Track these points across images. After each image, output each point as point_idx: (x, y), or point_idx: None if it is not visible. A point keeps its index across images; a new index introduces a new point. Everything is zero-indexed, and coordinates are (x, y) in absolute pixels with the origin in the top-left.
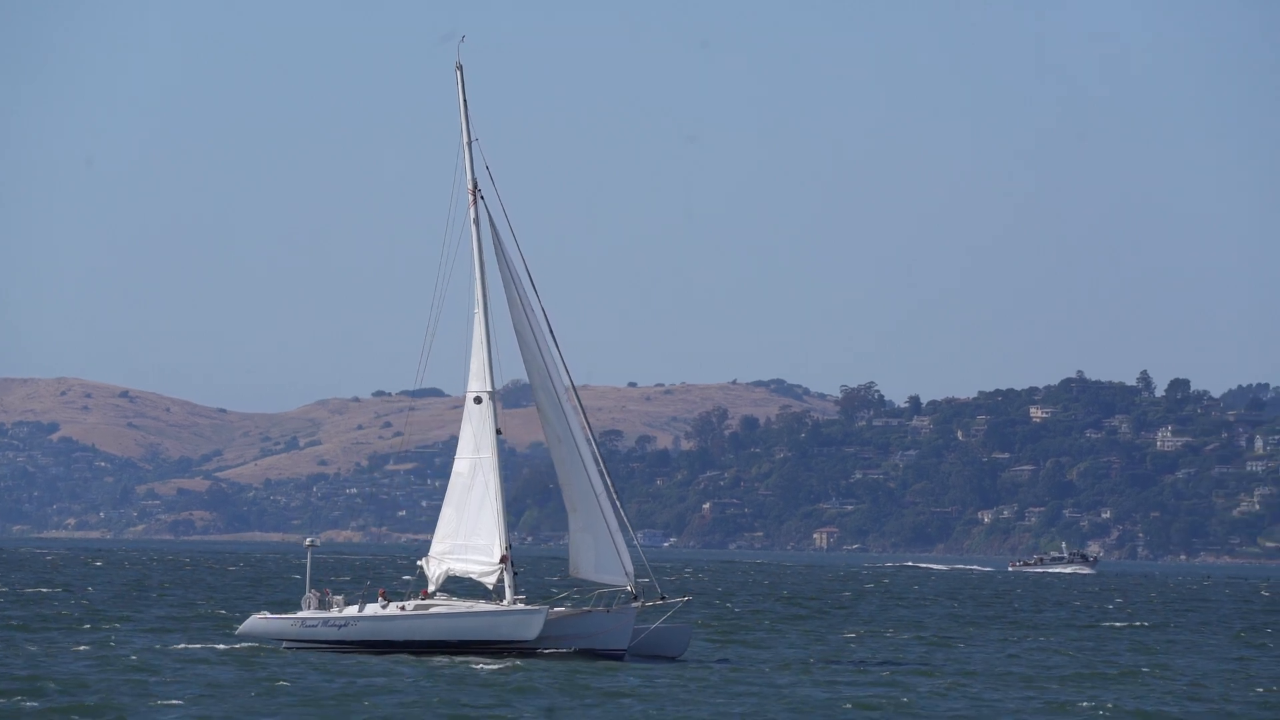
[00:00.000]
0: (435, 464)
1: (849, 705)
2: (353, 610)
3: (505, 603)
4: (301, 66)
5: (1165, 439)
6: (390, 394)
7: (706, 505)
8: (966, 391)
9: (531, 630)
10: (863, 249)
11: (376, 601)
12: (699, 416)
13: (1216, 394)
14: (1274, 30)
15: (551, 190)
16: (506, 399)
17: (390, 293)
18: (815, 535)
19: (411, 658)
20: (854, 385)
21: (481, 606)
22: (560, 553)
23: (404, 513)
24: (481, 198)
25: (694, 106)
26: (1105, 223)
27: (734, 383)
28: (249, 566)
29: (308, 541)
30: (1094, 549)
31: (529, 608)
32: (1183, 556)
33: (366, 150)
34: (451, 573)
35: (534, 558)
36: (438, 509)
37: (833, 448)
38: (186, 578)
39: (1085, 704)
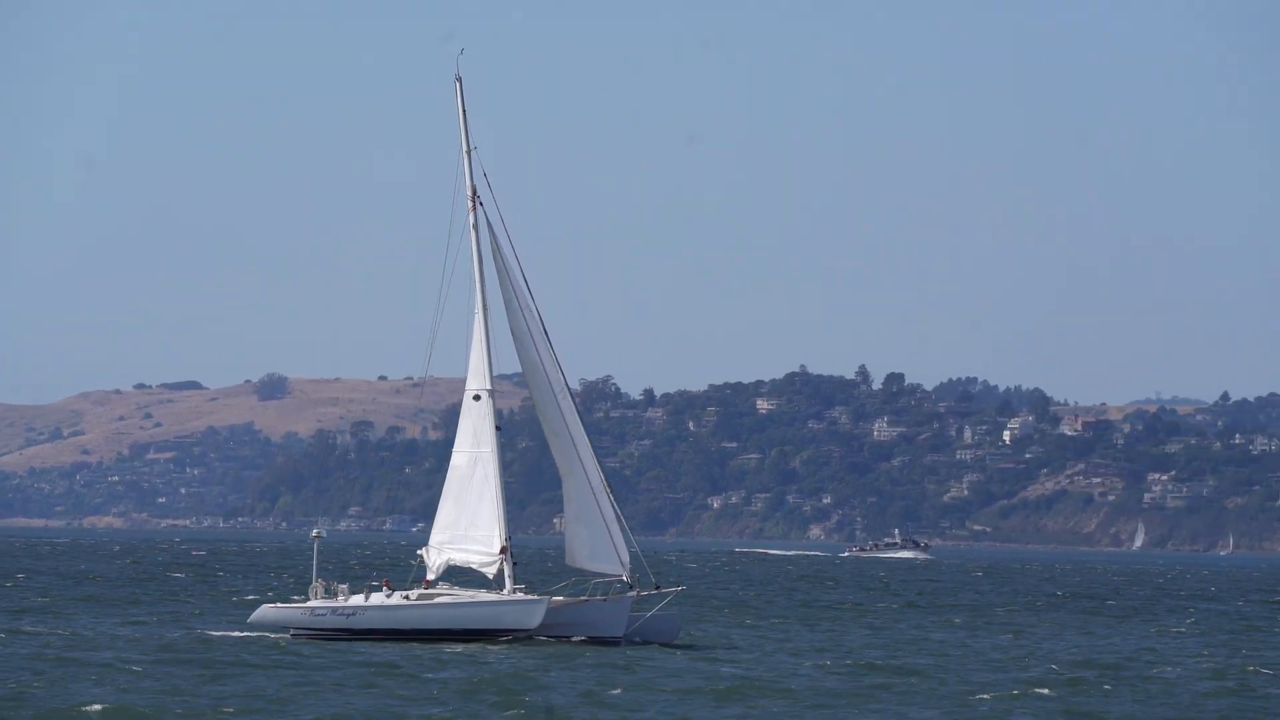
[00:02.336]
0: (194, 453)
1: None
2: (359, 599)
3: (505, 592)
4: (293, 68)
5: (881, 429)
6: (151, 386)
7: None
8: (697, 384)
9: (534, 619)
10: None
11: (381, 591)
12: (447, 408)
13: (929, 387)
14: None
15: (552, 191)
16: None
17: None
18: (555, 520)
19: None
20: (593, 379)
21: (485, 596)
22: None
23: (164, 499)
24: (480, 204)
25: (694, 107)
26: (823, 223)
27: None
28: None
29: (314, 533)
30: (814, 530)
31: (531, 597)
32: (896, 530)
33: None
34: (452, 562)
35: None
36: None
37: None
38: None
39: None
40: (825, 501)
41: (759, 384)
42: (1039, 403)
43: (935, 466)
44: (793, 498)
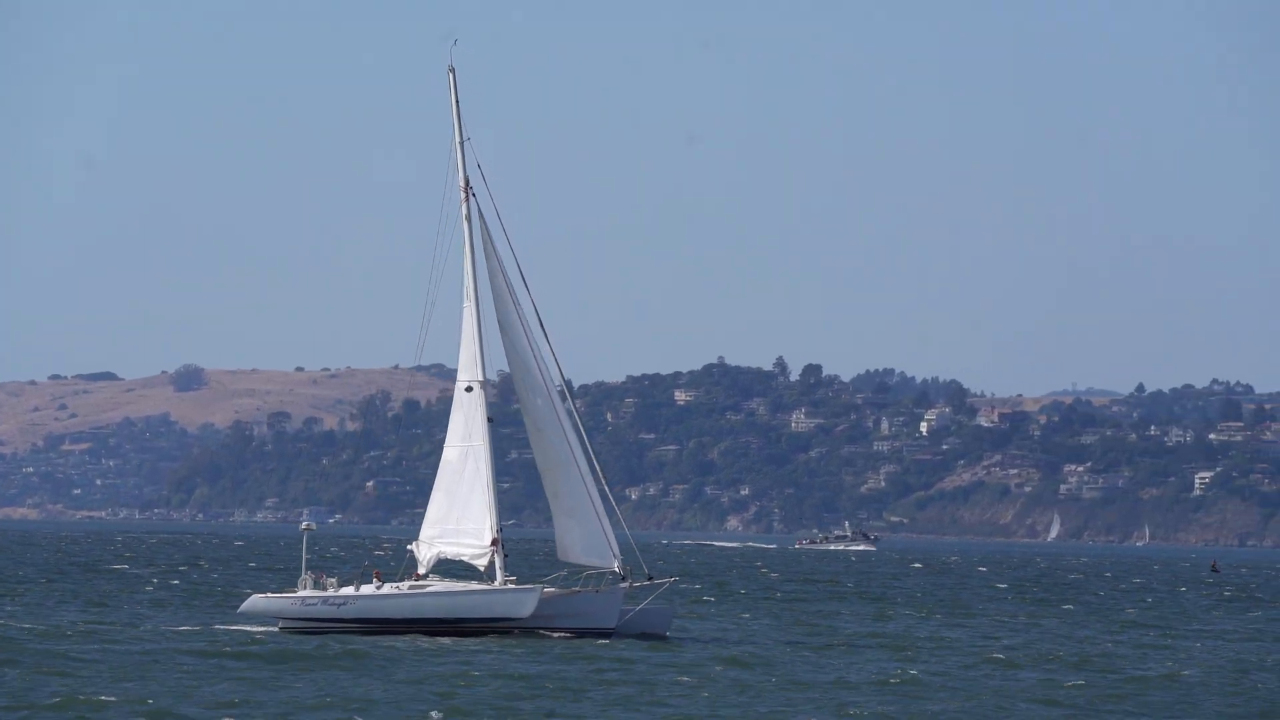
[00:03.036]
0: (109, 444)
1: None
2: (349, 590)
3: (497, 583)
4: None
5: (799, 420)
6: (66, 377)
7: (370, 483)
8: (616, 376)
9: (526, 608)
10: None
11: (371, 583)
12: (364, 399)
13: (846, 378)
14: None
15: (551, 187)
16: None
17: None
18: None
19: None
20: (509, 370)
21: (474, 586)
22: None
23: (79, 491)
24: (473, 194)
25: (694, 106)
26: (740, 218)
27: (397, 367)
28: None
29: (303, 525)
30: (732, 521)
31: (523, 587)
32: (815, 529)
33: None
34: (443, 556)
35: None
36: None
37: (490, 429)
38: None
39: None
40: (743, 493)
41: (677, 375)
42: (956, 394)
43: (852, 458)
44: (711, 489)
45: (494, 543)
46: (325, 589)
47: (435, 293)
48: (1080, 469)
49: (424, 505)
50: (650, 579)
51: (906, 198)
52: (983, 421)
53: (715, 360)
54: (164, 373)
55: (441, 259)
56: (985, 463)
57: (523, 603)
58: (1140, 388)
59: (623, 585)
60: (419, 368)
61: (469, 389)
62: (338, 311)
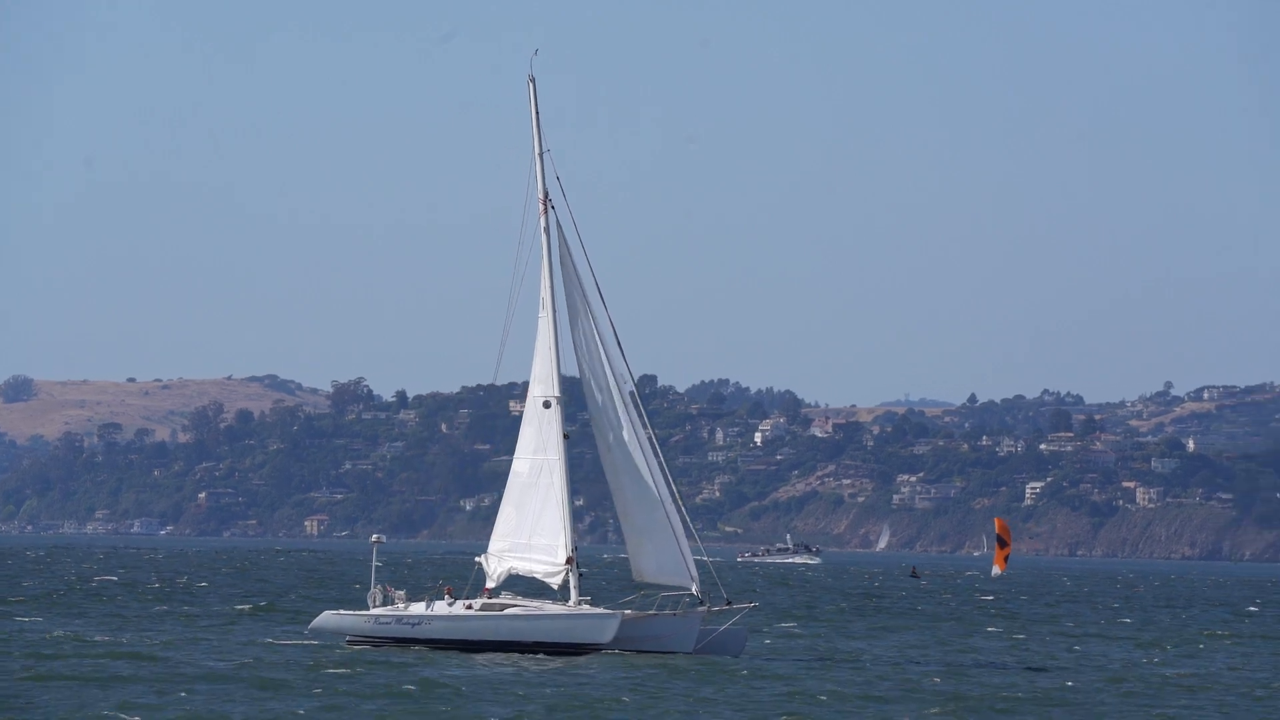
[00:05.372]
0: None
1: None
2: (420, 607)
3: (571, 603)
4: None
5: None
6: None
7: (202, 495)
8: (450, 387)
9: (607, 634)
10: None
11: (443, 599)
12: (195, 410)
13: (681, 389)
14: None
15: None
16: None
17: None
18: (307, 522)
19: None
20: (344, 380)
21: (554, 608)
22: None
23: None
24: (553, 207)
25: (694, 106)
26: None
27: (229, 378)
28: None
29: (374, 538)
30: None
31: (605, 611)
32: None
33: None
34: (514, 571)
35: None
36: None
37: (323, 439)
38: None
39: None
40: (578, 503)
41: (512, 386)
42: (790, 405)
43: (688, 468)
44: None
45: (568, 561)
46: (394, 604)
47: (514, 307)
48: (913, 479)
49: (256, 516)
50: (729, 603)
51: (741, 209)
52: (817, 432)
53: None
54: None
55: (520, 273)
56: (819, 473)
57: (605, 628)
58: (972, 398)
59: (700, 609)
60: (252, 378)
61: (546, 404)
62: (170, 322)
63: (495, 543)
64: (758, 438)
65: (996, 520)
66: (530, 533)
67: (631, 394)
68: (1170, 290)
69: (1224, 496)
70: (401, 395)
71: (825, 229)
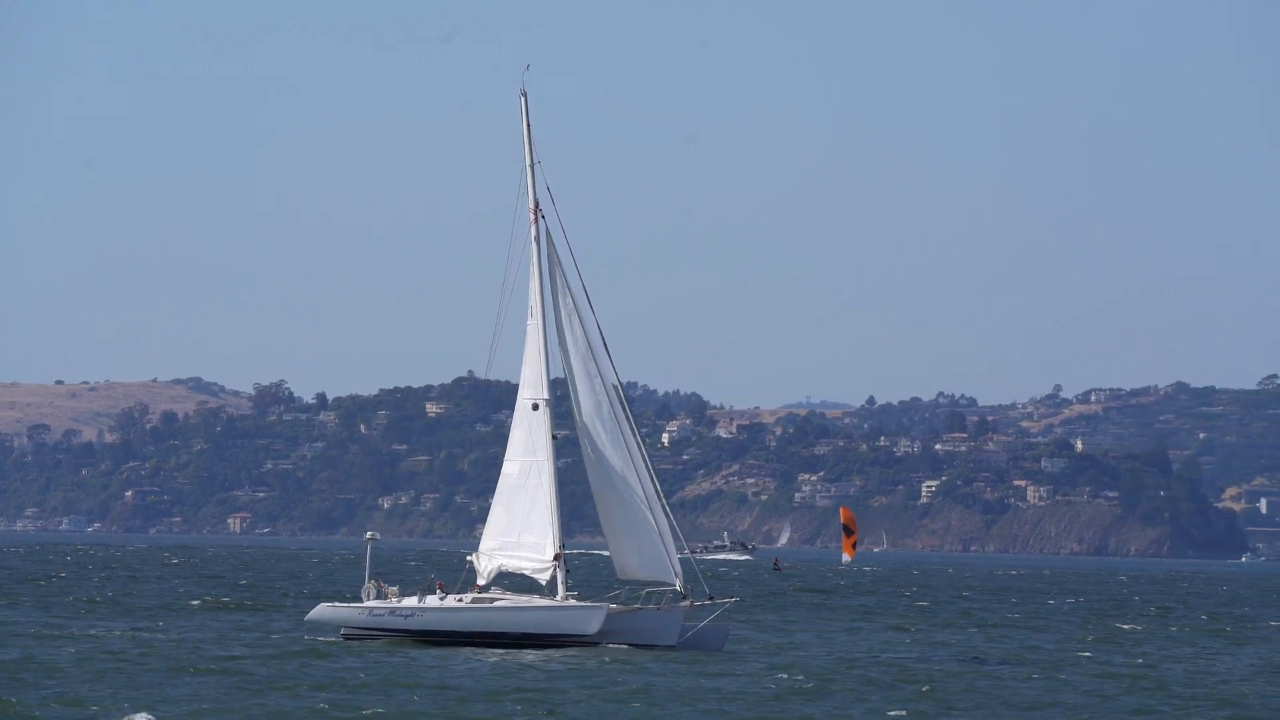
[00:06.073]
0: None
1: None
2: (412, 601)
3: (558, 598)
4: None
5: None
6: None
7: (129, 493)
8: (369, 389)
9: (592, 625)
10: None
11: (435, 593)
12: (122, 412)
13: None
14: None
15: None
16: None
17: None
18: (230, 520)
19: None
20: (266, 383)
21: (542, 601)
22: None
23: None
24: (543, 216)
25: (694, 106)
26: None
27: (155, 381)
28: None
29: (368, 535)
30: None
31: (591, 604)
32: (579, 537)
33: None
34: (504, 568)
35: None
36: None
37: (246, 440)
38: None
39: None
40: (491, 502)
41: (428, 389)
42: (696, 406)
43: None
44: (460, 498)
45: (556, 558)
46: (387, 598)
47: (504, 312)
48: (814, 478)
49: (181, 514)
50: (711, 599)
51: (639, 219)
52: (722, 433)
53: (465, 374)
54: None
55: (512, 280)
56: (724, 472)
57: (589, 620)
58: (870, 400)
59: (683, 604)
60: (177, 380)
61: (535, 406)
62: (97, 326)
63: (486, 541)
64: (665, 439)
65: (842, 510)
66: (520, 531)
67: (618, 394)
68: (1060, 296)
69: (1110, 495)
70: (322, 397)
71: (730, 237)
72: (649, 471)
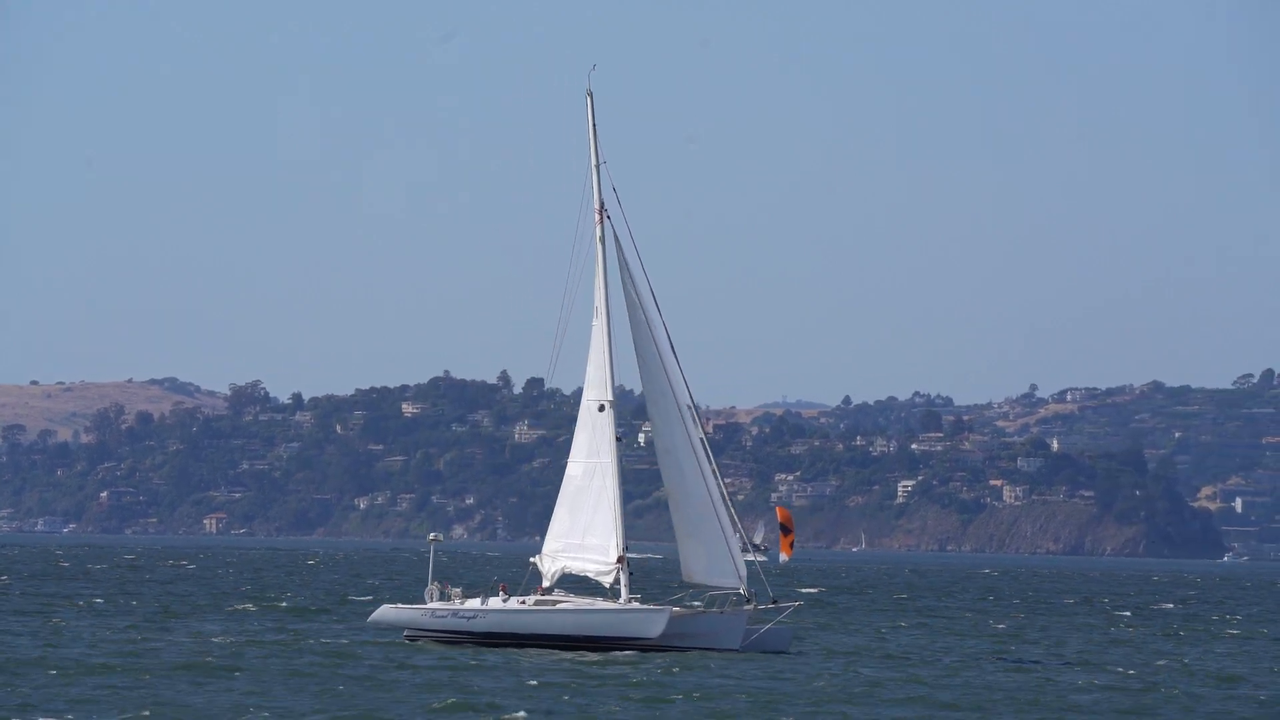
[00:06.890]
0: None
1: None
2: (475, 603)
3: (621, 601)
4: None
5: (523, 431)
6: None
7: (104, 494)
8: (345, 389)
9: (656, 628)
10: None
11: (498, 595)
12: (97, 412)
13: (568, 391)
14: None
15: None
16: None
17: None
18: (206, 520)
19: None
20: (242, 383)
21: (607, 604)
22: None
23: None
24: (608, 217)
25: (694, 106)
26: (466, 234)
27: (130, 381)
28: None
29: (431, 536)
30: (458, 530)
31: (654, 607)
32: (537, 537)
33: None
34: (567, 570)
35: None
36: None
37: (222, 440)
38: None
39: None
40: (468, 501)
41: (404, 389)
42: None
43: None
44: (437, 498)
45: (619, 560)
46: (450, 599)
47: (569, 314)
48: (790, 478)
49: (156, 514)
50: (775, 602)
51: (639, 220)
52: None
53: (441, 374)
54: None
55: (574, 281)
56: None
57: (654, 623)
58: (847, 400)
59: (747, 607)
60: (152, 381)
61: (601, 408)
62: (73, 326)
63: (550, 543)
64: (640, 438)
65: (779, 509)
66: (584, 533)
67: (689, 402)
68: (1036, 297)
69: (1086, 494)
70: (298, 397)
71: (702, 233)
72: (716, 477)
